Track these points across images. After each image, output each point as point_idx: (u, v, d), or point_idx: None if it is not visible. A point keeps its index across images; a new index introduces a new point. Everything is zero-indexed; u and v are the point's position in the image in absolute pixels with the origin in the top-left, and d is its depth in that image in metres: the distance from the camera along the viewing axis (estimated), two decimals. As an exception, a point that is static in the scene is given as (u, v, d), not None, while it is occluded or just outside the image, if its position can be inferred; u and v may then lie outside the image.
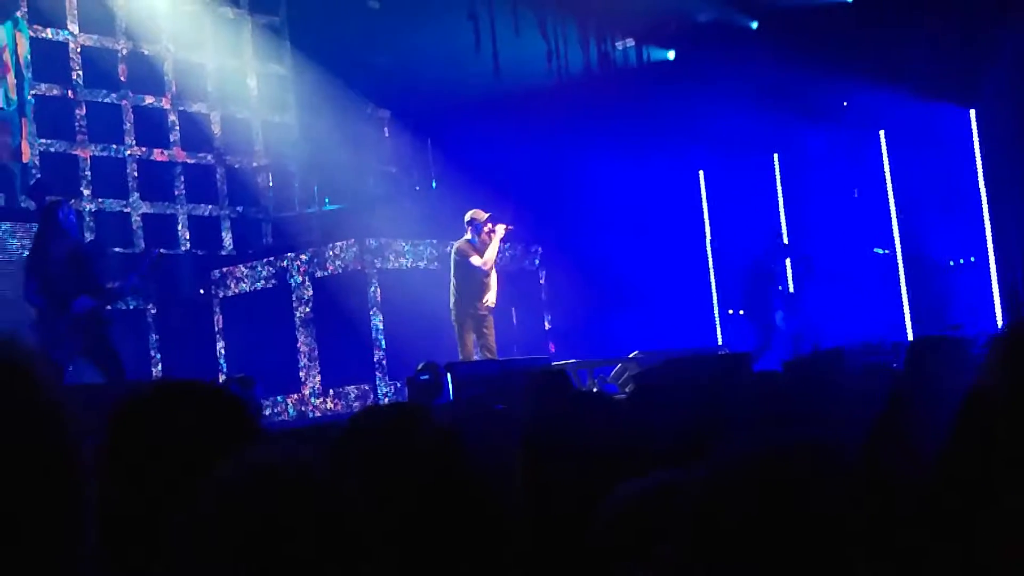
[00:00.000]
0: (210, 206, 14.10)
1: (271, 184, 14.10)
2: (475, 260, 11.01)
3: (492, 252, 11.08)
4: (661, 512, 1.57)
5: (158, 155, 13.70)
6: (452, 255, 11.20)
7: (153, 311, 12.97)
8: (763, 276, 12.89)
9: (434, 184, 13.73)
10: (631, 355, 11.86)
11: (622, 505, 1.58)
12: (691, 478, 1.57)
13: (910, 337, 12.91)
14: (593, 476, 2.03)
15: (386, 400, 11.43)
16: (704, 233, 15.66)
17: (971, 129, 13.00)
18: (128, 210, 13.38)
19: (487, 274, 11.12)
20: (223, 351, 13.05)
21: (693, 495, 1.46)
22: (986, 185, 12.85)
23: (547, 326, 14.09)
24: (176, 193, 13.78)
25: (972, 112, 12.97)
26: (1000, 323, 12.38)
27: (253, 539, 1.39)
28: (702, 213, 15.72)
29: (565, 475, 2.21)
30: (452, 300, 11.09)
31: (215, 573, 1.38)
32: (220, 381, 11.26)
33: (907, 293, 13.53)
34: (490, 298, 11.09)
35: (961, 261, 13.07)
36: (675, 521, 1.47)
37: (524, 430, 2.37)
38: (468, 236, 11.15)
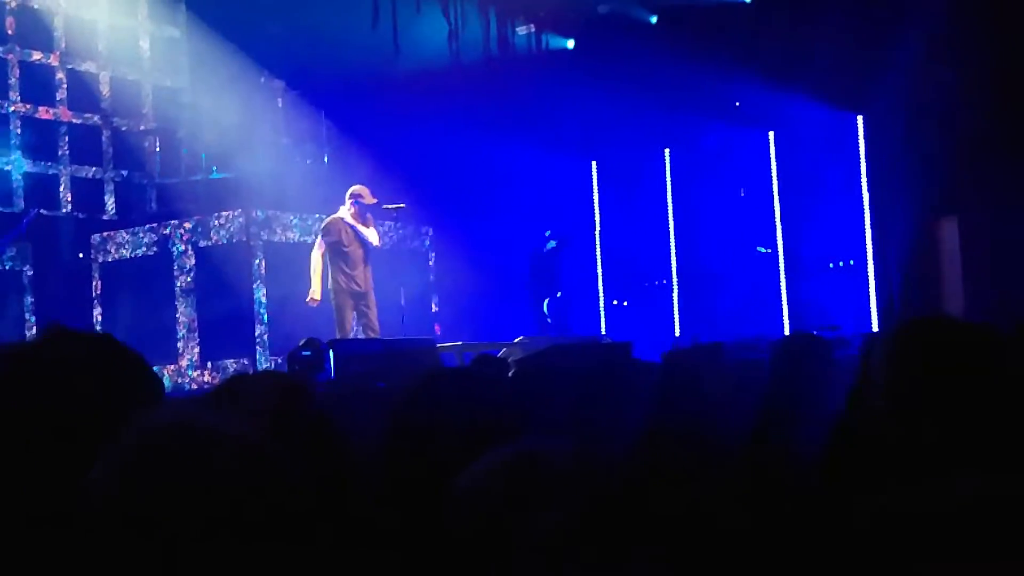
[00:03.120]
0: (94, 168, 13.77)
1: (158, 149, 13.81)
2: (372, 236, 10.79)
3: (374, 232, 10.88)
4: (523, 481, 1.56)
5: (43, 113, 13.33)
6: (321, 231, 10.96)
7: (30, 273, 12.62)
8: (543, 269, 13.66)
9: (326, 159, 13.59)
10: (516, 340, 11.90)
11: (485, 475, 1.57)
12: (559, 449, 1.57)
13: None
14: (458, 454, 2.01)
15: (266, 374, 11.28)
16: (594, 223, 15.78)
17: (857, 135, 13.30)
18: (9, 168, 12.99)
19: (357, 249, 10.84)
20: (100, 317, 12.76)
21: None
22: (869, 191, 13.17)
23: (434, 308, 14.07)
24: (60, 153, 13.43)
25: (860, 118, 13.26)
26: (876, 325, 12.71)
27: (178, 498, 1.35)
28: (592, 204, 15.84)
29: (427, 452, 2.20)
30: (329, 280, 10.84)
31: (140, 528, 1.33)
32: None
33: (786, 292, 13.81)
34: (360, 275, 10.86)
35: (840, 264, 13.38)
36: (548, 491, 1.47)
37: (394, 407, 2.35)
38: (347, 212, 10.90)
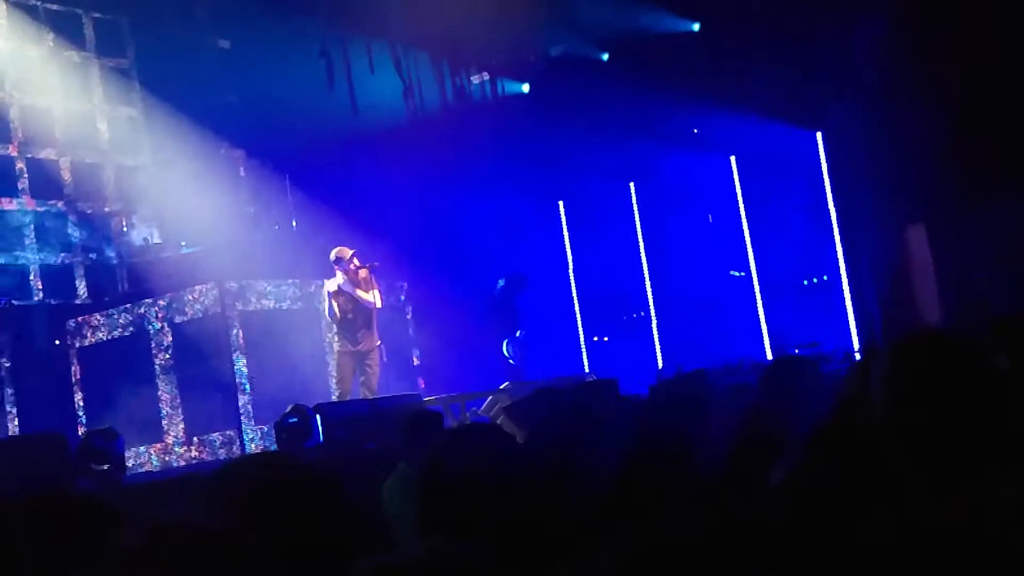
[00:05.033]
0: (63, 254, 13.73)
1: (124, 229, 13.78)
2: (372, 298, 11.14)
3: (377, 293, 11.22)
4: None
5: (6, 204, 13.30)
6: (324, 297, 11.25)
7: (7, 365, 12.53)
8: (499, 310, 13.64)
9: (294, 223, 13.59)
10: (502, 386, 11.90)
11: None
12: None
13: (769, 356, 13.23)
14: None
15: (253, 447, 11.23)
16: (567, 262, 15.82)
17: (818, 151, 13.41)
18: (-24, 262, 12.95)
19: (356, 312, 11.14)
20: (82, 403, 12.67)
21: None
22: (835, 205, 13.26)
23: (416, 362, 14.04)
24: (27, 242, 13.38)
25: (819, 135, 13.38)
26: (855, 339, 12.76)
27: None
28: (563, 242, 15.90)
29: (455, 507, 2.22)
30: (335, 340, 11.23)
31: None
32: (80, 434, 10.94)
33: (764, 313, 13.86)
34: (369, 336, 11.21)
35: (815, 280, 13.45)
36: None
37: (421, 473, 2.37)
38: (340, 278, 11.15)
